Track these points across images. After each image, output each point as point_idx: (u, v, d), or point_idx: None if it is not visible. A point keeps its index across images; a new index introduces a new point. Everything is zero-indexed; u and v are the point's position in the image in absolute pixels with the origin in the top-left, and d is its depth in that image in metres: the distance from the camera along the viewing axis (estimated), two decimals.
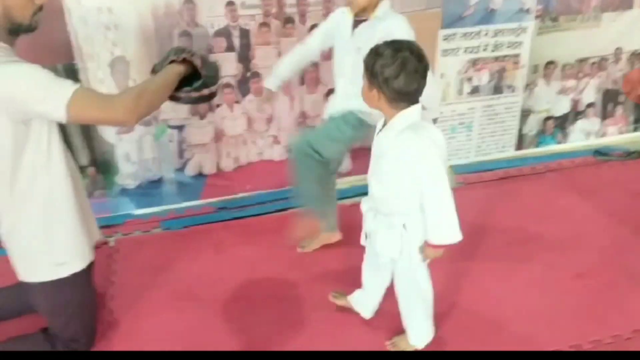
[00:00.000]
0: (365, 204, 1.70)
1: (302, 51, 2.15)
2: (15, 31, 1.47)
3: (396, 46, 1.43)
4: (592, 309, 2.01)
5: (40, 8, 1.48)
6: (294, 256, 2.34)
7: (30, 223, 1.57)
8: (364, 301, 1.95)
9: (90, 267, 1.75)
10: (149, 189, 2.63)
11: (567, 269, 2.21)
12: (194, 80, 1.61)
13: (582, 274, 2.19)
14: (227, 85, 2.54)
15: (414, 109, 1.48)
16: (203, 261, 2.32)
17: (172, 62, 1.58)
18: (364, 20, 1.94)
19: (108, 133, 2.46)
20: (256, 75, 2.57)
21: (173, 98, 1.61)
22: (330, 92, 2.70)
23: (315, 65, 2.63)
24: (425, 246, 1.58)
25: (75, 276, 1.67)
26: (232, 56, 2.49)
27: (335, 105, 2.10)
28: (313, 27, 2.55)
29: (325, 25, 2.11)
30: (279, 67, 2.18)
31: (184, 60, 1.58)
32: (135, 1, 2.26)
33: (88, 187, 2.58)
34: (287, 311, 2.03)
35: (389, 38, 1.81)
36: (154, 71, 1.61)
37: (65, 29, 2.21)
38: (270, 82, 2.20)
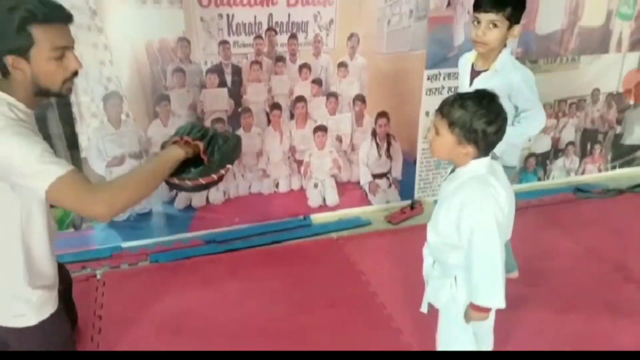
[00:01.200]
0: (425, 250, 1.66)
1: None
2: (42, 95, 1.46)
3: (489, 98, 1.41)
4: (576, 341, 2.05)
5: (75, 74, 1.47)
6: (280, 290, 2.35)
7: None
8: None
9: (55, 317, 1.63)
10: (138, 222, 2.64)
11: (547, 303, 2.25)
12: (199, 164, 1.50)
13: (561, 308, 2.23)
14: (219, 120, 2.59)
15: (484, 161, 1.45)
16: (191, 295, 2.33)
17: (175, 142, 1.50)
18: (484, 71, 1.94)
19: (98, 165, 2.48)
20: (247, 111, 2.63)
21: (168, 183, 1.52)
22: (319, 128, 2.78)
23: (304, 101, 2.70)
24: (469, 307, 1.52)
25: (36, 328, 1.56)
26: (224, 92, 2.56)
27: None
28: (303, 66, 2.64)
29: (460, 70, 2.11)
30: None
31: (187, 142, 1.48)
32: (130, 37, 2.33)
33: (76, 219, 2.60)
34: (274, 346, 2.04)
35: (512, 91, 1.86)
36: (162, 147, 1.54)
37: None
38: None
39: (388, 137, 2.92)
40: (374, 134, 2.89)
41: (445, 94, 2.91)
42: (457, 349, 1.65)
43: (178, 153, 1.48)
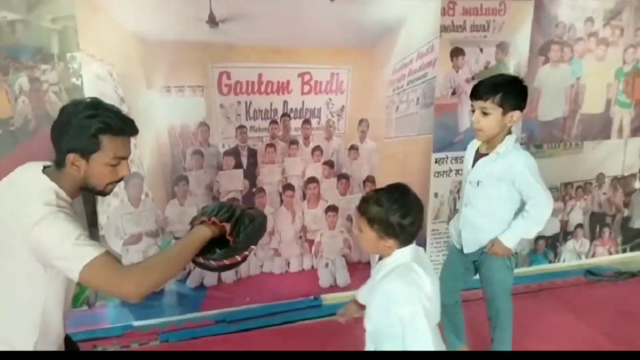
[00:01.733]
0: (367, 337, 1.64)
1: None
2: (86, 189, 1.54)
3: (401, 191, 1.47)
4: None
5: (120, 179, 1.56)
6: None
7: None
8: None
9: None
10: (150, 300, 2.66)
11: None
12: (224, 243, 1.51)
13: None
14: (233, 200, 2.68)
15: (408, 249, 1.48)
16: None
17: (202, 222, 1.52)
18: (486, 155, 2.00)
19: (115, 243, 2.55)
20: (261, 191, 2.73)
21: (194, 262, 1.53)
22: (330, 208, 2.86)
23: (316, 182, 2.80)
24: None
25: None
26: (240, 173, 2.67)
27: (467, 242, 2.13)
28: (315, 148, 2.77)
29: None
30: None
31: (214, 223, 1.50)
32: (155, 123, 2.48)
33: (90, 297, 2.63)
34: None
35: (514, 176, 1.91)
36: (191, 224, 1.57)
37: None
38: None
39: None
40: None
41: (453, 177, 3.01)
42: None
43: (205, 233, 1.51)
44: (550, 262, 3.36)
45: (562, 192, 3.27)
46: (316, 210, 2.87)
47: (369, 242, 1.50)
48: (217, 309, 2.76)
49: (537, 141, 3.14)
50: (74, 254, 1.40)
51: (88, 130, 1.44)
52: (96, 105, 1.50)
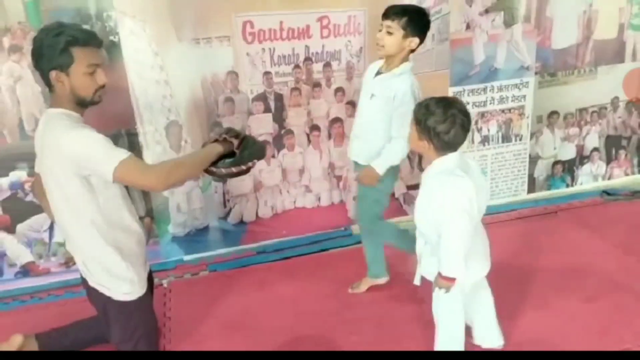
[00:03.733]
0: (417, 232, 1.92)
1: None
2: (81, 104, 1.82)
3: (446, 104, 1.67)
4: (602, 326, 2.21)
5: (103, 86, 1.82)
6: (328, 291, 2.59)
7: (101, 257, 1.89)
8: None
9: (149, 297, 2.05)
10: (197, 236, 2.95)
11: (578, 293, 2.42)
12: (232, 157, 1.86)
13: (592, 297, 2.39)
14: (264, 142, 2.89)
15: (452, 157, 1.71)
16: (248, 296, 2.59)
17: (216, 140, 1.88)
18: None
19: None
20: (289, 132, 2.93)
21: (207, 171, 1.86)
22: None
23: (340, 121, 2.99)
24: (437, 276, 1.78)
25: (140, 301, 1.97)
26: (269, 117, 2.87)
27: (357, 153, 2.35)
28: (338, 89, 2.94)
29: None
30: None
31: (225, 140, 1.86)
32: (187, 73, 2.68)
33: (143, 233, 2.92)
34: (325, 336, 2.26)
35: (395, 96, 2.12)
36: (204, 146, 1.92)
37: (129, 99, 2.61)
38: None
39: None
40: None
41: (470, 109, 3.14)
42: (447, 315, 1.90)
43: (218, 148, 1.86)
44: (567, 186, 3.52)
45: (578, 117, 3.39)
46: (342, 147, 3.07)
47: (413, 140, 1.74)
48: (257, 242, 3.03)
49: (551, 69, 3.24)
50: (106, 156, 1.69)
51: (58, 45, 1.71)
52: (60, 24, 1.77)
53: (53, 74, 1.73)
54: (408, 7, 2.21)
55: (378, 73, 2.25)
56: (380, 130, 2.22)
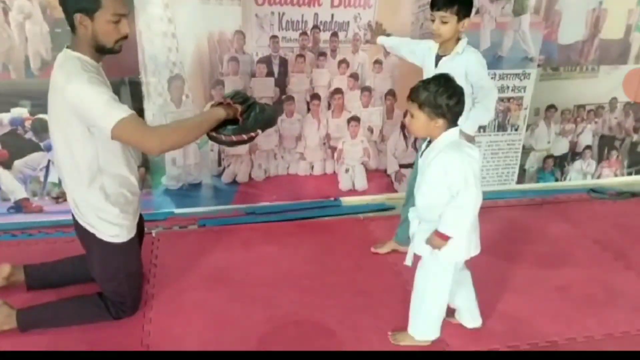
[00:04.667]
0: (412, 213, 1.97)
1: (406, 45, 2.52)
2: (100, 51, 1.84)
3: (445, 78, 1.74)
4: (570, 313, 2.29)
5: (125, 37, 1.85)
6: (310, 255, 2.67)
7: (92, 200, 1.93)
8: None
9: (136, 241, 2.11)
10: (189, 191, 3.01)
11: (551, 282, 2.50)
12: (237, 124, 1.83)
13: (564, 286, 2.47)
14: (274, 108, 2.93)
15: (456, 130, 1.77)
16: (233, 253, 2.66)
17: (220, 103, 1.85)
18: (446, 56, 2.29)
19: None
20: (290, 98, 2.97)
21: (208, 135, 1.86)
22: (353, 118, 3.10)
23: (341, 93, 3.03)
24: (432, 234, 1.82)
25: (126, 244, 2.03)
26: (271, 81, 2.91)
27: None
28: (342, 61, 2.97)
29: (418, 47, 2.45)
30: (392, 38, 2.59)
31: (229, 104, 1.83)
32: (194, 28, 2.71)
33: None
34: (303, 297, 2.34)
35: (469, 70, 2.20)
36: (209, 107, 1.90)
37: (135, 49, 2.64)
38: (382, 39, 2.59)
39: None
40: (402, 127, 3.19)
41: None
42: (434, 289, 1.95)
43: (220, 113, 1.85)
44: (557, 180, 3.58)
45: (575, 114, 3.44)
46: (340, 119, 3.11)
47: (420, 125, 1.77)
48: (247, 203, 3.09)
49: (554, 63, 3.27)
50: (107, 113, 1.72)
51: None
52: None
53: (78, 17, 1.74)
54: None
55: (437, 55, 2.33)
56: None
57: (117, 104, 1.75)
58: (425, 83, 1.76)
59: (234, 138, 1.86)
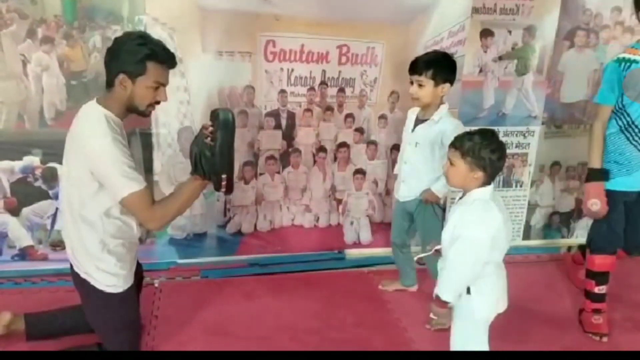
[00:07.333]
0: (439, 264, 1.91)
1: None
2: (131, 111, 1.92)
3: (491, 132, 1.75)
4: None
5: (158, 102, 1.93)
6: (313, 309, 2.64)
7: (92, 249, 1.94)
8: None
9: (134, 291, 2.10)
10: (193, 241, 3.01)
11: (557, 344, 2.45)
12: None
13: (569, 347, 2.42)
14: (271, 157, 2.98)
15: (490, 188, 1.76)
16: (235, 306, 2.64)
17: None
18: (425, 121, 2.37)
19: (167, 188, 2.87)
20: (296, 151, 3.02)
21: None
22: (358, 171, 3.13)
23: (347, 147, 3.07)
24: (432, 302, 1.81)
25: (123, 295, 2.01)
26: (279, 133, 2.96)
27: (406, 194, 2.56)
28: (348, 115, 3.03)
29: (410, 110, 2.56)
30: None
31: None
32: (207, 84, 2.78)
33: (142, 234, 2.98)
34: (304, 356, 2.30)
35: (445, 138, 2.24)
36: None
37: None
38: None
39: None
40: None
41: None
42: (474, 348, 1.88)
43: (198, 186, 1.95)
44: (563, 237, 3.56)
45: (579, 171, 3.45)
46: (345, 172, 3.14)
47: (459, 175, 1.76)
48: (251, 254, 3.08)
49: (558, 121, 3.32)
50: (120, 183, 1.79)
51: (137, 55, 1.80)
52: (146, 36, 1.87)
53: (120, 77, 1.81)
54: (431, 57, 2.35)
55: (417, 119, 2.42)
56: (429, 172, 2.43)
57: (134, 174, 1.82)
58: (471, 134, 1.76)
59: (222, 191, 1.97)
